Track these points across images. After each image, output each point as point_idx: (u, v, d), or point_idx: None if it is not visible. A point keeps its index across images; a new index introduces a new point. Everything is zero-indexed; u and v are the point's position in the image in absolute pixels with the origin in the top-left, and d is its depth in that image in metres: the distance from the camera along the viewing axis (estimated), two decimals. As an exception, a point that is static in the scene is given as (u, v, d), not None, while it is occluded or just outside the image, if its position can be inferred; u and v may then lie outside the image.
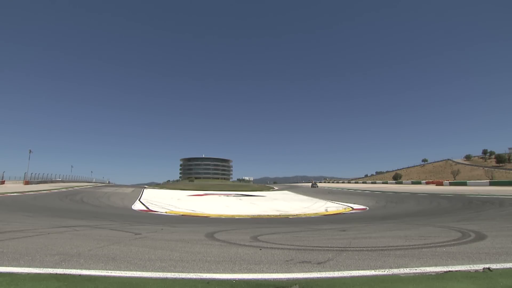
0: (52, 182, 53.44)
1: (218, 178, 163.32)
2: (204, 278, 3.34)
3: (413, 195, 26.90)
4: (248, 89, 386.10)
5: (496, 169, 61.74)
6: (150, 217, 14.29)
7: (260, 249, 5.11)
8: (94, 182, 75.05)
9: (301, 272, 3.60)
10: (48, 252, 4.67)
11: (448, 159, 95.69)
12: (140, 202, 23.38)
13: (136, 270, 3.67)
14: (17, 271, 3.53)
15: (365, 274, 3.47)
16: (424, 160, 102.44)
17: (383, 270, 3.58)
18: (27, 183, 43.61)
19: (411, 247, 5.14)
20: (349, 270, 3.63)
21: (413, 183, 62.12)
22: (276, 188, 68.07)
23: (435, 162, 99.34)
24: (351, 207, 19.07)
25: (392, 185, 60.56)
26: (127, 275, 3.46)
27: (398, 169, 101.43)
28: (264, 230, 8.25)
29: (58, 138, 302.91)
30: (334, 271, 3.62)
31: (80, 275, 3.41)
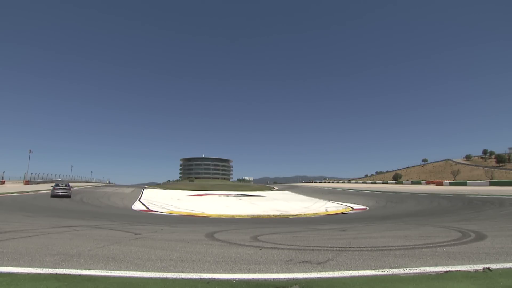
0: (52, 182, 53.16)
1: (218, 178, 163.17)
2: (204, 278, 3.34)
3: (413, 195, 26.90)
4: (248, 89, 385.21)
5: (496, 169, 61.67)
6: (150, 217, 14.29)
7: (260, 249, 5.11)
8: (94, 182, 75.03)
9: (301, 272, 3.60)
10: (48, 252, 4.67)
11: (448, 159, 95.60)
12: (140, 202, 23.39)
13: (136, 270, 3.67)
14: (17, 271, 3.53)
15: (365, 274, 3.47)
16: (424, 160, 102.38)
17: (383, 270, 3.58)
18: (27, 183, 43.64)
19: (411, 247, 5.14)
20: (349, 270, 3.63)
21: (413, 183, 62.04)
22: (276, 188, 68.12)
23: (435, 162, 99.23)
24: (351, 207, 19.09)
25: (392, 185, 60.51)
26: (127, 275, 3.46)
27: (398, 169, 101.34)
28: (264, 230, 8.26)
29: (58, 138, 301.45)
30: (334, 271, 3.62)
31: (80, 275, 3.41)
